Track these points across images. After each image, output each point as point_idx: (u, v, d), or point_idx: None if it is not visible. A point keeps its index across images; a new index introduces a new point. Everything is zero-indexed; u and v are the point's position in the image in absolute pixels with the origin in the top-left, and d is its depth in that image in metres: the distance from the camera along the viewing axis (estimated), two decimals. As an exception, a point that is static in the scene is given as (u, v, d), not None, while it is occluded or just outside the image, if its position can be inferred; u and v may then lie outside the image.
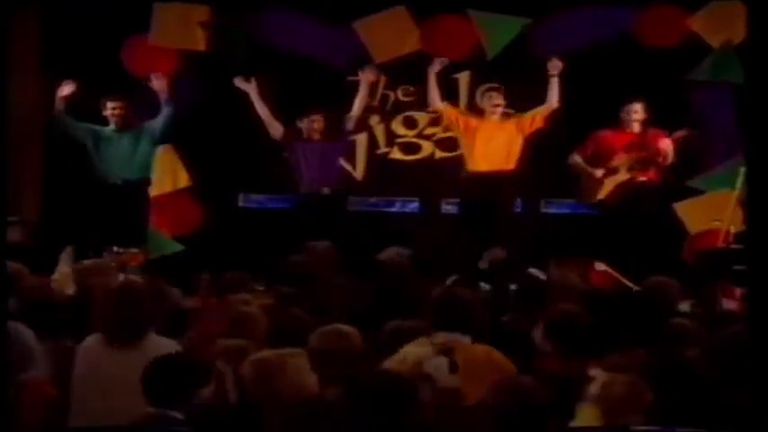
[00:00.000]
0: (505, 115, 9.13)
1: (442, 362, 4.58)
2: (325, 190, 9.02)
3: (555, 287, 6.21)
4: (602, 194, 8.98)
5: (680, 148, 8.88)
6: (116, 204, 8.95)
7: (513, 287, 6.38)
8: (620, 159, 8.91)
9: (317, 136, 9.04)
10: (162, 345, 4.78)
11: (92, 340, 4.90)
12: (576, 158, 9.03)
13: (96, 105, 9.07)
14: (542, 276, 6.56)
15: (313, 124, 9.02)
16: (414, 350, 4.70)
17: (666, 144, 8.80)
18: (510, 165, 8.96)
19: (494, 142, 8.94)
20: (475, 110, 9.61)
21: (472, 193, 9.06)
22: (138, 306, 4.88)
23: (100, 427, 4.61)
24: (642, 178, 8.86)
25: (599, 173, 8.95)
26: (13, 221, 8.97)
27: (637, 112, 8.88)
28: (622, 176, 8.91)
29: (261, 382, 4.13)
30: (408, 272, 6.49)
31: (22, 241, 9.12)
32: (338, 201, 9.17)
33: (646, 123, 8.92)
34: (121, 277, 6.58)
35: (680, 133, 8.88)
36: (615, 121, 8.99)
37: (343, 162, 9.46)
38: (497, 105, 9.02)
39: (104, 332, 4.86)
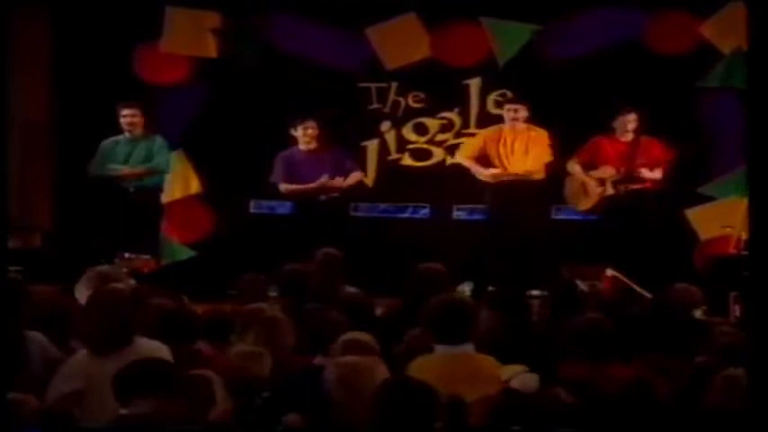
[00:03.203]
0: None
1: (532, 377, 4.49)
2: (323, 197, 9.02)
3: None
4: (587, 205, 9.01)
5: (673, 168, 8.85)
6: (129, 211, 8.94)
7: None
8: (607, 173, 8.90)
9: (312, 143, 9.07)
10: (149, 348, 4.74)
11: (81, 353, 4.83)
12: (575, 166, 9.03)
13: (107, 112, 9.11)
14: (584, 288, 6.56)
15: (307, 131, 9.03)
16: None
17: (653, 172, 8.79)
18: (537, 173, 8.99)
19: (517, 150, 8.98)
20: (487, 117, 9.65)
21: (498, 200, 9.05)
22: (118, 313, 4.78)
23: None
24: (637, 187, 8.86)
25: (593, 184, 8.95)
26: (27, 228, 9.03)
27: (631, 122, 8.87)
28: (609, 190, 8.92)
29: (347, 385, 4.16)
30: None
31: (38, 247, 9.17)
32: (339, 207, 9.16)
33: (638, 131, 8.90)
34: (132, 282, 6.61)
35: (671, 154, 8.82)
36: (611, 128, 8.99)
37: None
38: (517, 119, 8.99)
39: (88, 343, 4.78)
